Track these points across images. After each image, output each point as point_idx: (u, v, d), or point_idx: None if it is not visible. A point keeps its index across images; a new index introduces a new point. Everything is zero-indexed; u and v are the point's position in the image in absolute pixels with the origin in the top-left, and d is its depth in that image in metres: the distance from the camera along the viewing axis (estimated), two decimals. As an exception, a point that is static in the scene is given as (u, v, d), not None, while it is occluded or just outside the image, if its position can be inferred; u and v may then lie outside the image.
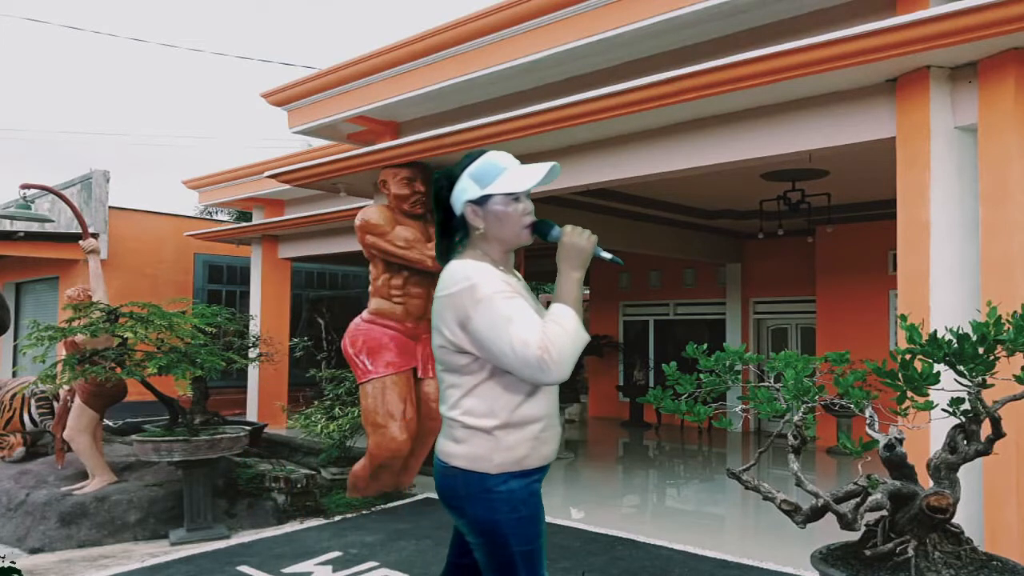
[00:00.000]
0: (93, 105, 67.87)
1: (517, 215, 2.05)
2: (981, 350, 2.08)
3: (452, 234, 2.12)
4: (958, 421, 2.25)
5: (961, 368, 2.13)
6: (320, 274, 13.67)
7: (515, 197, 2.04)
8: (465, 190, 2.05)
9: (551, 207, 7.86)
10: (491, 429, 1.97)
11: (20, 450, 6.60)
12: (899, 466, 2.32)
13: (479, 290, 1.92)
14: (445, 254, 2.14)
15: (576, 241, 2.01)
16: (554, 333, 1.85)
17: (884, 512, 2.27)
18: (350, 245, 8.90)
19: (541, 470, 2.06)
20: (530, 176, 2.04)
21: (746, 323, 11.20)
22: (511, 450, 1.97)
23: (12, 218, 7.71)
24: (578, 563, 4.55)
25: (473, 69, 6.83)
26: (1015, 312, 2.07)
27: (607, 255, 2.06)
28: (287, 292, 11.69)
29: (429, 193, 6.23)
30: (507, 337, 1.86)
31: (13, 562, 2.93)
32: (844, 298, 9.66)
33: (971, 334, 2.09)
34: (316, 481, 6.22)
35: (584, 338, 1.93)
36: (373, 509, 6.01)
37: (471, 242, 2.09)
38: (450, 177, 2.09)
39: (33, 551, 5.10)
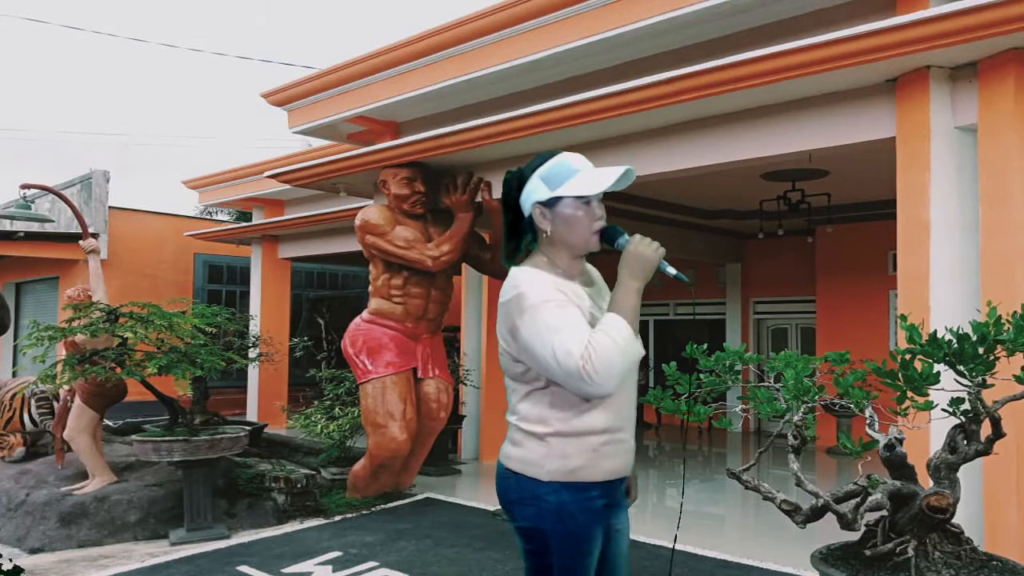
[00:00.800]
0: (93, 105, 67.90)
1: (586, 219, 1.96)
2: (981, 350, 2.08)
3: (519, 236, 2.05)
4: (958, 421, 2.25)
5: (961, 368, 2.13)
6: (320, 274, 13.68)
7: (585, 201, 1.96)
8: (534, 191, 1.98)
9: (551, 207, 7.86)
10: (544, 435, 1.92)
11: (20, 450, 6.60)
12: (899, 466, 2.32)
13: (526, 299, 1.87)
14: (510, 256, 2.07)
15: (642, 251, 1.92)
16: (599, 343, 1.78)
17: (884, 512, 2.27)
18: (350, 245, 8.91)
19: (604, 485, 1.95)
20: (602, 179, 1.94)
21: (746, 323, 11.20)
22: (565, 459, 1.90)
23: (12, 218, 7.71)
24: (578, 563, 4.55)
25: (473, 69, 6.83)
26: (1015, 312, 2.07)
27: (672, 271, 1.97)
28: (287, 292, 11.69)
29: (429, 193, 6.26)
30: (550, 347, 1.80)
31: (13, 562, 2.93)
32: (844, 298, 9.66)
33: (971, 334, 2.09)
34: (316, 481, 6.22)
35: (636, 351, 1.86)
36: (373, 509, 6.01)
37: (539, 245, 2.02)
38: (520, 177, 2.02)
39: (33, 551, 5.10)
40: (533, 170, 2.00)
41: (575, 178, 1.95)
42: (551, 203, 1.96)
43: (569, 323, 1.83)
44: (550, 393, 1.92)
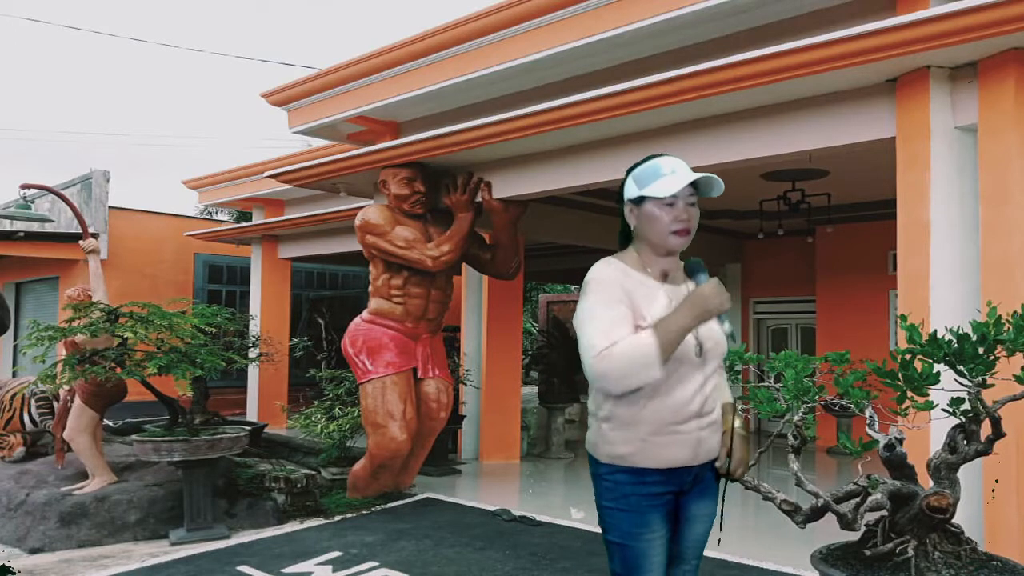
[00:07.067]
0: (93, 105, 67.96)
1: (666, 220, 2.04)
2: (981, 350, 2.08)
3: (628, 228, 2.18)
4: (958, 421, 2.25)
5: (961, 368, 2.13)
6: (320, 274, 13.67)
7: (668, 202, 2.04)
8: (627, 189, 2.13)
9: (551, 207, 7.87)
10: (600, 419, 2.08)
11: (20, 450, 6.59)
12: (899, 466, 2.32)
13: (587, 286, 2.03)
14: (622, 245, 2.21)
15: (708, 295, 1.93)
16: (620, 348, 1.86)
17: (884, 512, 2.28)
18: (350, 245, 8.90)
19: (665, 472, 2.03)
20: (678, 183, 2.01)
21: (746, 323, 11.20)
22: (612, 445, 2.04)
23: (12, 218, 7.71)
24: (578, 563, 4.55)
25: (473, 69, 6.83)
26: (1015, 312, 2.07)
27: (728, 327, 2.01)
28: (287, 292, 11.69)
29: (429, 193, 6.26)
30: (583, 335, 1.94)
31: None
32: (844, 298, 9.66)
33: (971, 334, 2.09)
34: (316, 481, 6.22)
35: (650, 374, 1.88)
36: (373, 509, 6.01)
37: (634, 238, 2.15)
38: (626, 176, 2.17)
39: (33, 551, 5.10)
40: (631, 170, 2.14)
41: (660, 180, 2.05)
42: (638, 201, 2.08)
43: (606, 318, 1.93)
44: None
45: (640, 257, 2.11)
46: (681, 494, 2.12)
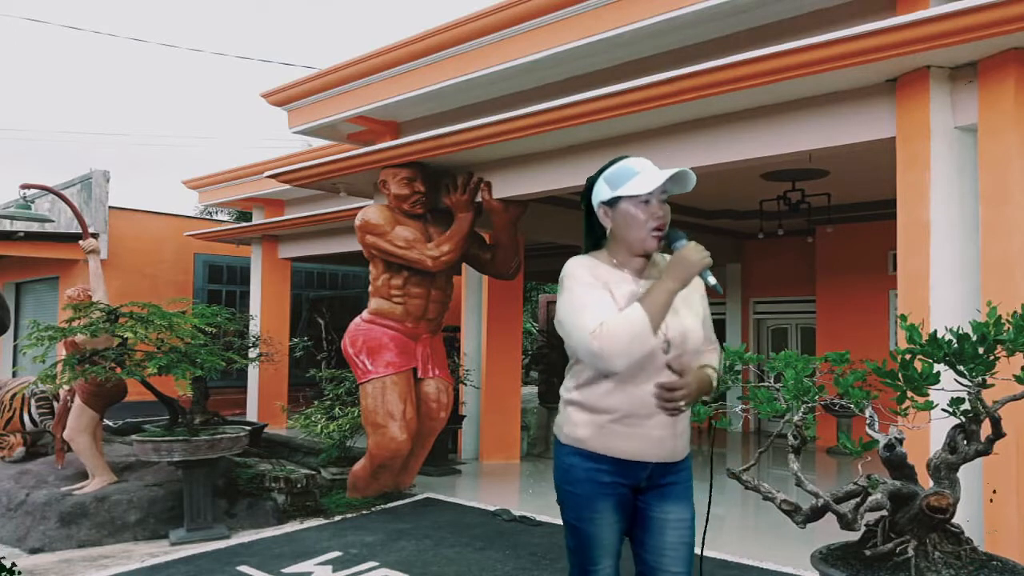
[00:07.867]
0: (93, 105, 67.99)
1: (643, 217, 2.09)
2: (981, 350, 2.08)
3: (594, 233, 2.22)
4: (958, 421, 2.24)
5: (961, 368, 2.13)
6: (320, 274, 13.67)
7: (644, 200, 2.09)
8: (599, 192, 2.17)
9: (551, 207, 7.87)
10: (567, 402, 2.17)
11: (20, 450, 6.59)
12: (899, 466, 2.32)
13: (566, 280, 2.09)
14: (587, 251, 2.25)
15: (688, 255, 2.04)
16: (613, 323, 1.94)
17: (884, 512, 2.27)
18: (350, 245, 8.90)
19: (620, 464, 2.09)
20: (655, 179, 2.07)
21: (746, 323, 11.20)
22: (574, 427, 2.13)
23: (12, 218, 7.71)
24: (578, 563, 4.55)
25: (473, 69, 6.83)
26: (1015, 312, 2.07)
27: (712, 280, 2.09)
28: (287, 292, 11.69)
29: (429, 193, 6.26)
30: (572, 322, 2.01)
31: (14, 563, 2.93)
32: (844, 298, 9.66)
33: (971, 334, 2.09)
34: (316, 481, 6.22)
35: (647, 341, 1.96)
36: (373, 509, 6.01)
37: (607, 241, 2.20)
38: (593, 180, 2.21)
39: (33, 551, 5.10)
40: (600, 173, 2.19)
41: (634, 179, 2.10)
42: (612, 203, 2.13)
43: (592, 303, 2.01)
44: (581, 367, 2.13)
45: (612, 257, 2.16)
46: (639, 492, 2.16)
